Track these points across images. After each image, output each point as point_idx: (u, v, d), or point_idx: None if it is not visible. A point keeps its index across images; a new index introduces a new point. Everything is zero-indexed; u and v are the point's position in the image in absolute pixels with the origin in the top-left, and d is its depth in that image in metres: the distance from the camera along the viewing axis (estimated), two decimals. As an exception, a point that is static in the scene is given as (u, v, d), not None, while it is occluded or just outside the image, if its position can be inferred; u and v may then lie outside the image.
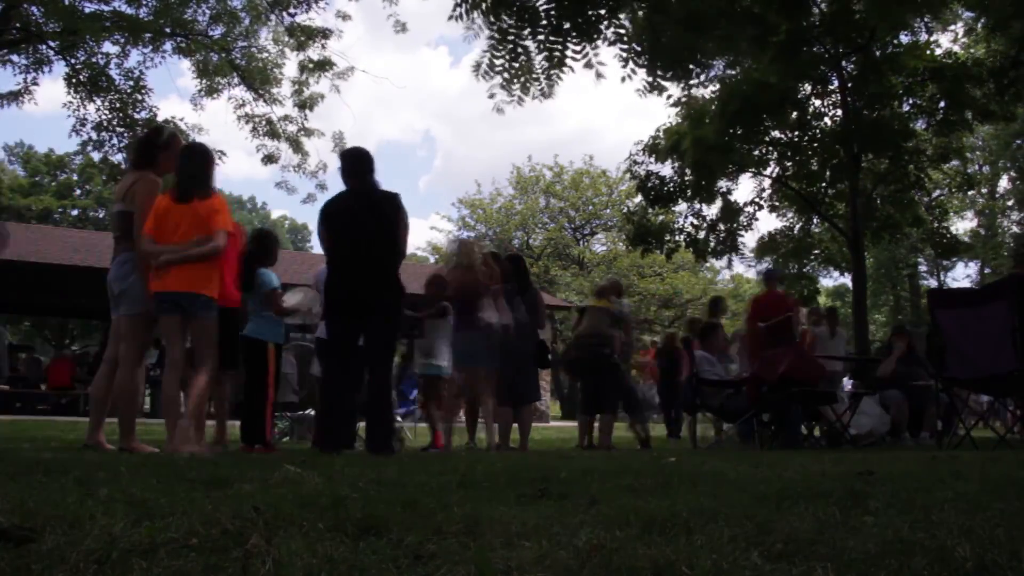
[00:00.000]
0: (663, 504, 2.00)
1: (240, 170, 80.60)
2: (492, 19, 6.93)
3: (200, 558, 1.34)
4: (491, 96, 7.14)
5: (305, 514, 1.73)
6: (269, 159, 15.63)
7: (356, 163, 4.86)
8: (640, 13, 7.19)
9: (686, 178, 13.30)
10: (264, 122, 15.46)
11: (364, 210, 4.70)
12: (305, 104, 15.46)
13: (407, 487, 2.36)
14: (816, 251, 16.31)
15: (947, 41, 14.74)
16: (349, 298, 4.69)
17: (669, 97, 11.70)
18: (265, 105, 15.46)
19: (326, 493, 2.09)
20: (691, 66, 7.56)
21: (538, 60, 7.19)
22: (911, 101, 12.63)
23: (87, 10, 13.05)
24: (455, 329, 6.11)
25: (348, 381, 4.78)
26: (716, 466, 3.35)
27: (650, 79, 7.50)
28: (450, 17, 6.92)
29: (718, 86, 12.49)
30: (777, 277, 8.94)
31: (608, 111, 72.22)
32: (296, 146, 15.69)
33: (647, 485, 2.54)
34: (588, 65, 6.92)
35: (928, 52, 12.03)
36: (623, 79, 7.32)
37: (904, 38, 12.21)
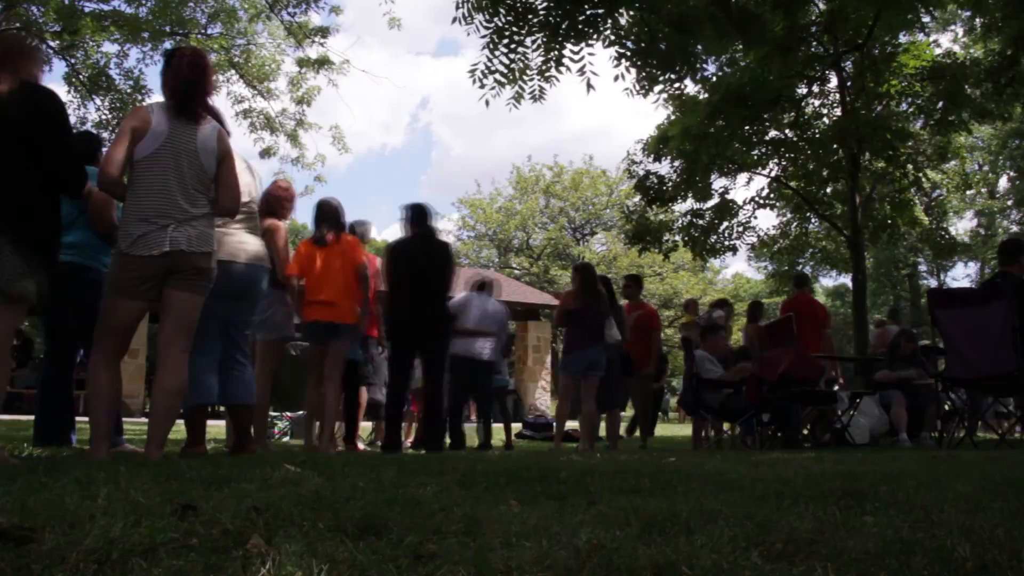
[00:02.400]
0: (663, 504, 2.01)
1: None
2: (489, 16, 6.93)
3: (200, 558, 1.34)
4: (481, 85, 7.12)
5: (305, 514, 1.73)
6: (267, 152, 15.68)
7: (419, 214, 5.85)
8: (631, 13, 7.18)
9: (682, 175, 13.29)
10: (262, 117, 15.50)
11: (425, 253, 5.69)
12: (303, 99, 15.49)
13: (407, 487, 2.36)
14: (812, 250, 16.31)
15: (947, 41, 14.73)
16: (411, 323, 5.59)
17: (667, 94, 11.66)
18: (263, 100, 15.50)
19: (326, 493, 2.09)
20: (683, 68, 7.54)
21: (534, 59, 7.19)
22: (909, 100, 12.62)
23: (87, 9, 13.07)
24: (581, 344, 6.77)
25: (405, 393, 5.93)
26: (716, 466, 3.35)
27: (642, 80, 7.52)
28: (453, 20, 6.93)
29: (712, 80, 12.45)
30: (806, 282, 9.36)
31: (614, 111, 72.23)
32: (294, 140, 15.74)
33: (647, 485, 2.54)
34: (581, 71, 6.93)
35: (927, 51, 12.03)
36: (616, 78, 7.37)
37: (903, 38, 12.20)
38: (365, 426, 6.75)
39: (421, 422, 6.30)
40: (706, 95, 12.12)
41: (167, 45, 14.22)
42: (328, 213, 5.50)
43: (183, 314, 3.49)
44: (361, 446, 6.32)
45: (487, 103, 7.13)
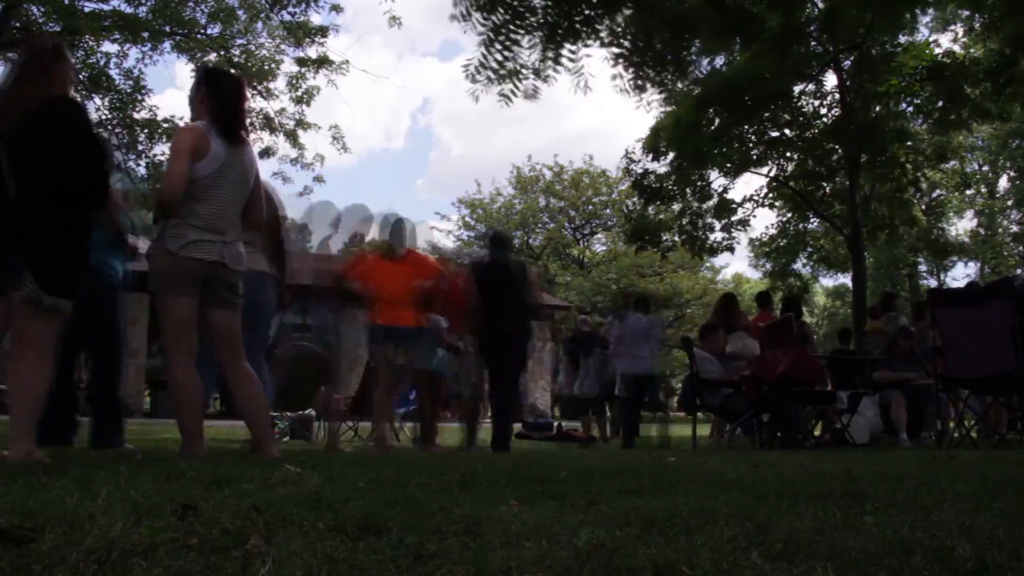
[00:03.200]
0: (663, 504, 2.01)
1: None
2: (486, 14, 6.94)
3: (200, 558, 1.34)
4: (474, 81, 7.15)
5: (305, 514, 1.73)
6: (266, 153, 15.69)
7: (496, 241, 6.94)
8: (628, 13, 7.18)
9: (676, 168, 13.28)
10: (261, 117, 15.49)
11: (501, 272, 6.41)
12: (302, 99, 15.49)
13: (407, 487, 2.36)
14: (810, 249, 16.30)
15: (947, 40, 14.72)
16: (491, 333, 6.21)
17: (661, 96, 11.63)
18: (262, 100, 15.50)
19: (326, 493, 2.09)
20: (677, 69, 7.57)
21: (530, 58, 7.21)
22: (908, 100, 12.61)
23: (87, 9, 13.06)
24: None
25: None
26: (716, 466, 3.35)
27: (638, 80, 7.54)
28: (451, 17, 6.93)
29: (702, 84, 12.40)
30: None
31: (615, 111, 72.18)
32: (293, 140, 15.75)
33: (647, 485, 2.54)
34: (579, 72, 6.94)
35: (927, 51, 12.01)
36: (613, 77, 7.41)
37: (902, 37, 12.19)
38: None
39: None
40: (699, 90, 12.10)
41: (167, 45, 14.23)
42: (397, 232, 5.99)
43: (229, 332, 3.73)
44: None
45: (476, 98, 7.20)
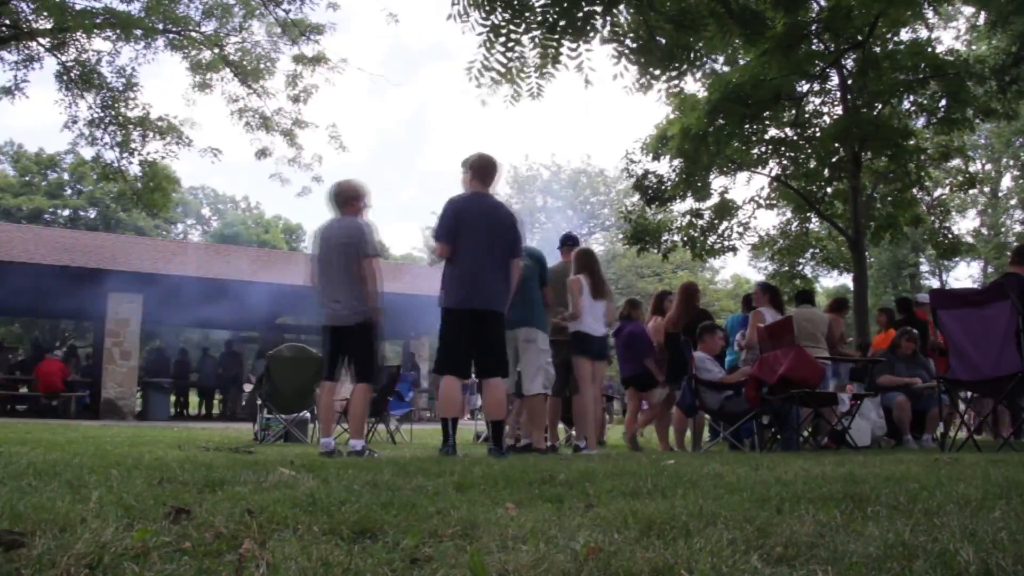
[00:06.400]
0: (662, 507, 1.99)
1: (232, 168, 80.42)
2: (486, 13, 6.91)
3: (193, 562, 1.33)
4: (477, 84, 7.10)
5: (300, 517, 1.71)
6: (263, 153, 15.57)
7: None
8: (632, 11, 7.16)
9: (682, 176, 13.25)
10: (258, 117, 15.39)
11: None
12: (298, 98, 15.40)
13: (403, 490, 2.34)
14: (813, 250, 16.28)
15: (949, 38, 14.69)
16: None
17: (667, 92, 11.59)
18: (258, 99, 15.39)
19: (321, 496, 2.07)
20: (683, 65, 7.53)
21: (532, 57, 7.17)
22: (911, 99, 12.57)
23: (78, 7, 12.97)
24: None
25: None
26: (715, 469, 3.34)
27: (642, 78, 7.51)
28: (448, 17, 6.89)
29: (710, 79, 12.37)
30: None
31: (614, 110, 72.32)
32: (290, 139, 15.64)
33: (646, 488, 2.52)
34: (579, 68, 6.91)
35: (930, 49, 11.96)
36: (615, 76, 7.35)
37: (905, 35, 12.17)
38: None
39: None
40: (705, 94, 12.07)
41: (160, 42, 14.15)
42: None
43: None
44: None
45: (483, 102, 7.11)
